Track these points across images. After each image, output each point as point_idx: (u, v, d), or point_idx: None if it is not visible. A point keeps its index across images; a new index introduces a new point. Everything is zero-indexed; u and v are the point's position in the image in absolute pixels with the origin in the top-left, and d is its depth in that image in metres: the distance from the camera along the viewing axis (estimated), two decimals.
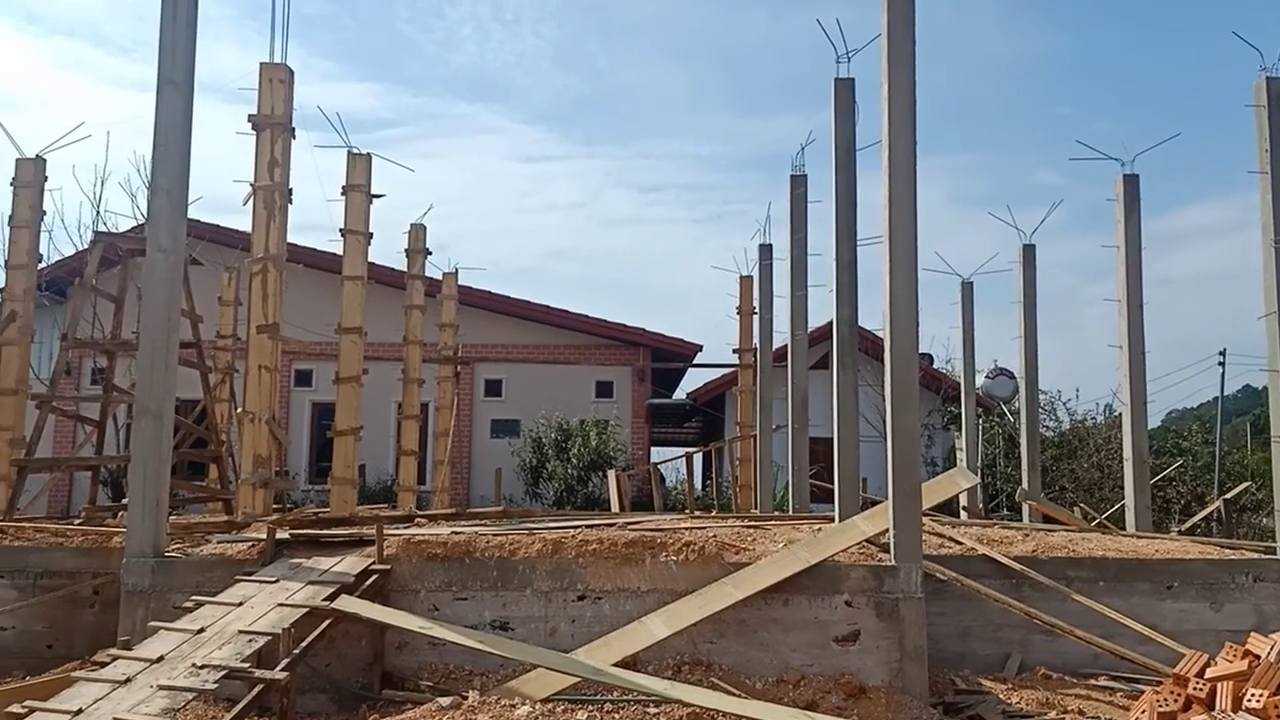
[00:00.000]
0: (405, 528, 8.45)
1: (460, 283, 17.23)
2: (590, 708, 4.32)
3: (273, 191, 9.37)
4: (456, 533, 7.35)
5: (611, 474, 15.25)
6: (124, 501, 12.25)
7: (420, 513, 10.00)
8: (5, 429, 11.28)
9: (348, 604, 6.33)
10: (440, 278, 16.75)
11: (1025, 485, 13.13)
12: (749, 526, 8.53)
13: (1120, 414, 12.01)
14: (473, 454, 20.91)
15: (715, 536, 7.37)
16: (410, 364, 15.09)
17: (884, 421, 7.39)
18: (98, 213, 19.01)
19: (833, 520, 8.81)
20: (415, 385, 15.14)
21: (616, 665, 6.29)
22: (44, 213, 11.90)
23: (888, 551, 7.07)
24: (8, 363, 11.41)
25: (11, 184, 11.60)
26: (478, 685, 6.74)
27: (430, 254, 15.48)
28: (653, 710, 5.78)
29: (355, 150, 11.89)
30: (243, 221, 14.85)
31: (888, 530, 7.08)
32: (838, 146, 8.78)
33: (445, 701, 4.02)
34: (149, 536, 7.04)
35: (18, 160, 11.58)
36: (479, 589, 7.03)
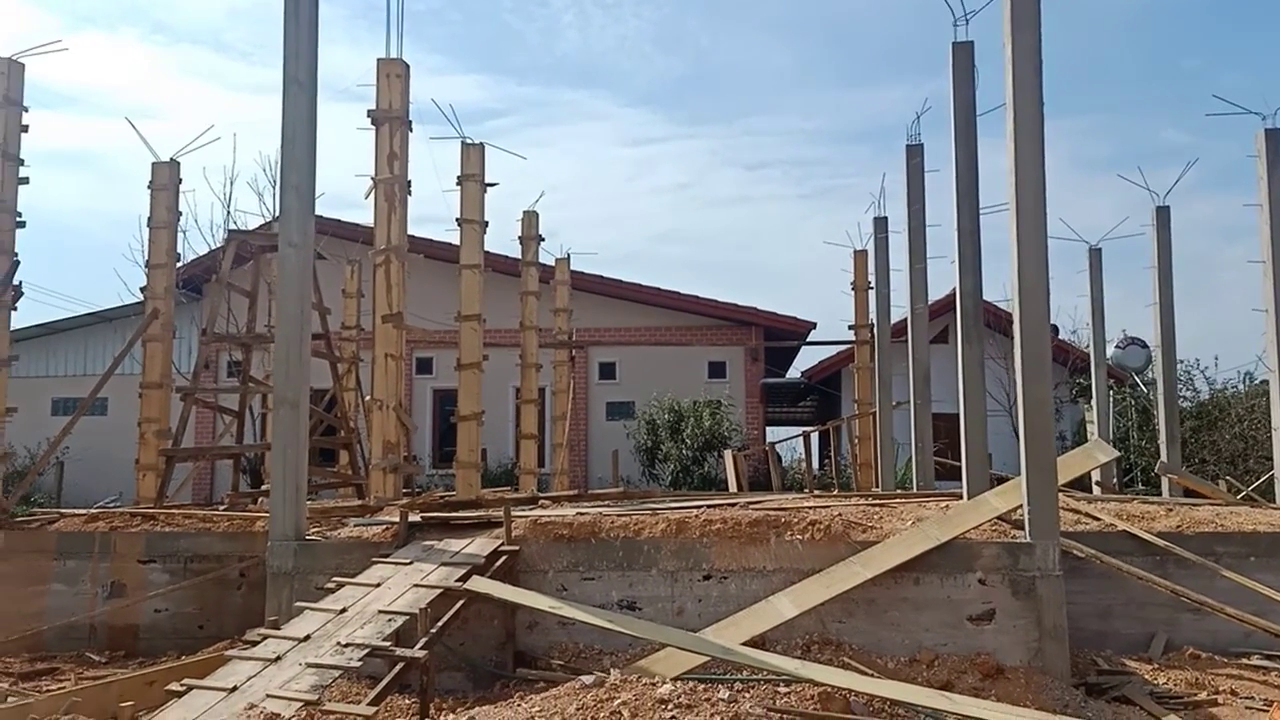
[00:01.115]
0: (530, 510, 8.60)
1: (572, 268, 17.42)
2: (727, 687, 4.31)
3: (393, 184, 9.61)
4: (581, 514, 7.44)
5: (728, 454, 15.22)
6: (264, 488, 12.85)
7: (543, 495, 10.16)
8: (151, 421, 11.90)
9: (480, 584, 6.47)
10: (553, 264, 16.96)
11: (1164, 458, 12.58)
12: (874, 505, 8.39)
13: (1265, 381, 11.39)
14: (589, 437, 21.14)
15: (840, 515, 7.28)
16: (527, 349, 15.33)
17: (1007, 396, 7.16)
18: (228, 212, 19.86)
19: (959, 497, 8.59)
20: (533, 370, 15.38)
21: (745, 645, 6.29)
22: (180, 214, 12.49)
23: (1021, 528, 6.86)
24: (152, 358, 12.02)
25: (149, 187, 12.17)
26: (607, 664, 6.82)
27: (543, 240, 15.69)
28: (783, 690, 5.74)
29: (469, 141, 12.10)
30: (362, 215, 15.23)
31: (1021, 506, 6.87)
32: (956, 113, 8.52)
33: (588, 679, 4.07)
34: (291, 521, 7.33)
35: (154, 164, 12.14)
36: (605, 569, 7.10)
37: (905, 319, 11.81)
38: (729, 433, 18.53)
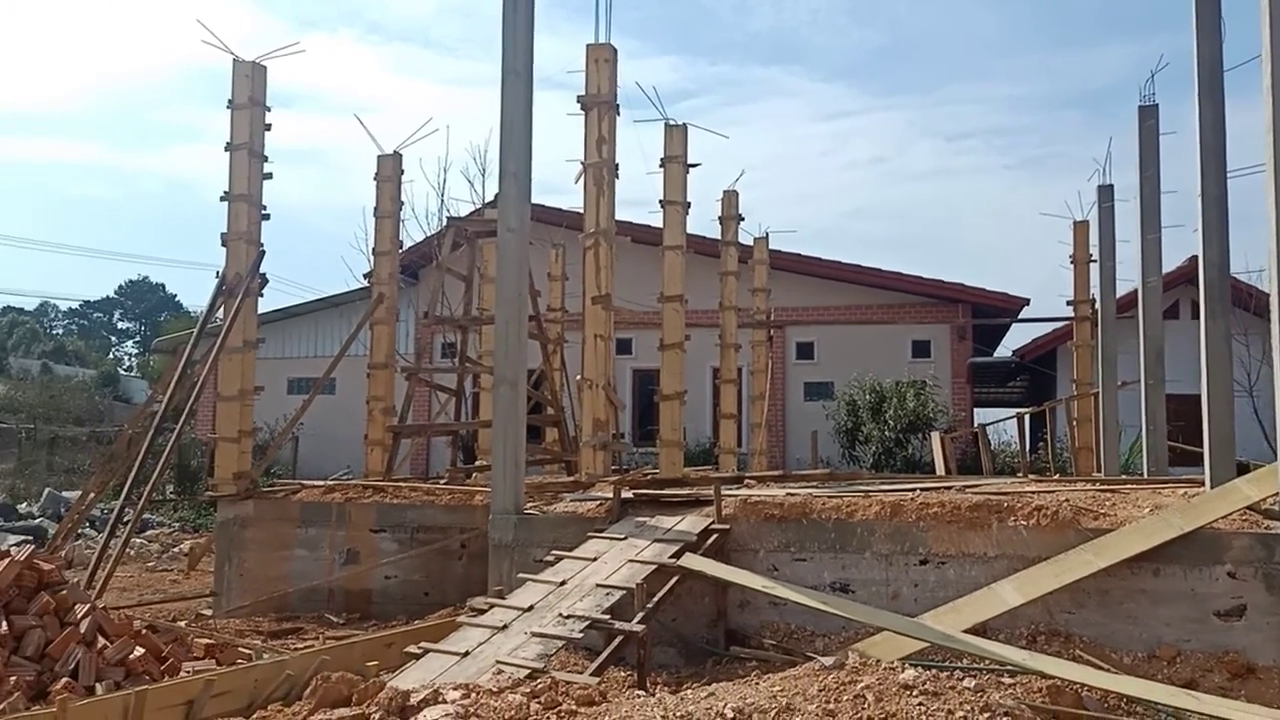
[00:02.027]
0: (736, 489, 8.61)
1: (770, 247, 17.28)
2: (971, 676, 4.16)
3: (601, 168, 9.79)
4: (791, 494, 7.38)
5: (935, 436, 14.74)
6: (478, 463, 13.46)
7: (747, 474, 10.15)
8: (378, 399, 12.67)
9: (693, 562, 6.54)
10: (751, 244, 16.88)
11: None
12: (1102, 490, 7.92)
13: None
14: (786, 417, 20.97)
15: (1067, 501, 6.90)
16: (726, 329, 15.34)
17: (1248, 376, 6.56)
18: (441, 200, 20.88)
19: (1199, 484, 7.97)
20: (732, 350, 15.38)
21: (965, 633, 6.07)
22: (401, 203, 13.18)
23: (1277, 519, 6.30)
24: (379, 340, 12.78)
25: (375, 179, 12.90)
26: (819, 646, 6.76)
27: (742, 219, 15.64)
28: (1007, 681, 5.51)
29: (671, 122, 12.19)
30: (565, 200, 15.58)
31: (1276, 495, 6.30)
32: (1201, 67, 7.84)
33: (827, 660, 4.03)
34: (511, 496, 7.63)
35: (379, 157, 12.86)
36: (817, 550, 7.03)
37: (1131, 293, 11.05)
38: (934, 414, 17.94)
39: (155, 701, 4.90)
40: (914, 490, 7.59)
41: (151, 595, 10.99)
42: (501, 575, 7.54)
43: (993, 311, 21.13)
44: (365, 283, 23.64)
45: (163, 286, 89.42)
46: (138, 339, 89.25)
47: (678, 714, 3.17)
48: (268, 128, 10.66)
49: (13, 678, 5.63)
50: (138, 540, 15.42)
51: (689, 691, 3.36)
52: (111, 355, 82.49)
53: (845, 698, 3.14)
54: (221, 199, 10.49)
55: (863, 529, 6.95)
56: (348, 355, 21.03)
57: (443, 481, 11.29)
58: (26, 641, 5.93)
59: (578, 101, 9.89)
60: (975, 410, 22.35)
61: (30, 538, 14.32)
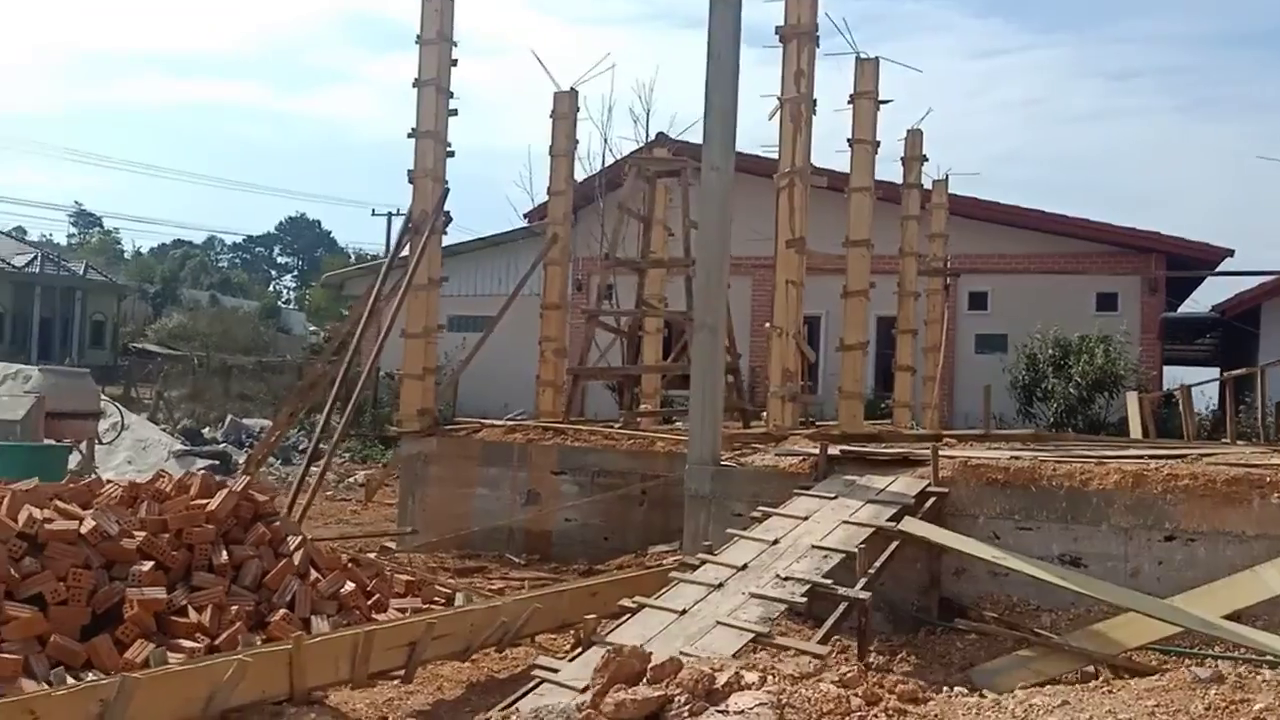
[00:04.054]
0: (942, 449, 8.08)
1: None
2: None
3: (799, 104, 9.27)
4: (1016, 458, 6.85)
5: (1132, 396, 13.73)
6: (642, 408, 13.29)
7: (947, 432, 9.60)
8: (551, 340, 12.55)
9: (915, 526, 6.13)
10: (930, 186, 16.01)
11: None
12: None
13: None
14: (955, 370, 20.03)
15: None
16: (906, 277, 14.61)
17: None
18: (605, 140, 20.43)
19: None
20: (911, 300, 14.66)
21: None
22: (576, 142, 12.92)
23: None
24: (552, 280, 12.63)
25: (550, 116, 12.65)
26: (1046, 622, 6.28)
27: (926, 160, 14.83)
28: (1267, 675, 4.93)
29: (863, 55, 11.51)
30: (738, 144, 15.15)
31: None
32: None
33: (1202, 672, 3.59)
34: (709, 446, 7.34)
35: (555, 94, 12.59)
36: (1045, 519, 6.50)
37: None
38: (1124, 372, 16.76)
39: (382, 642, 4.84)
40: (1152, 458, 6.93)
41: (336, 524, 11.27)
42: (698, 527, 7.29)
43: (1187, 263, 19.58)
44: (525, 222, 23.74)
45: (319, 223, 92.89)
46: (295, 273, 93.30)
47: None
48: (454, 63, 10.50)
49: (234, 607, 5.69)
50: (314, 469, 15.95)
51: (1037, 699, 2.99)
52: (272, 288, 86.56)
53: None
54: (409, 135, 10.42)
55: (1099, 499, 6.37)
56: (500, 295, 21.11)
57: (617, 425, 11.11)
58: (245, 571, 6.00)
59: (775, 33, 9.37)
60: (1165, 368, 20.92)
61: (216, 462, 14.98)
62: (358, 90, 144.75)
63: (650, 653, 3.38)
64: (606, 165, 19.56)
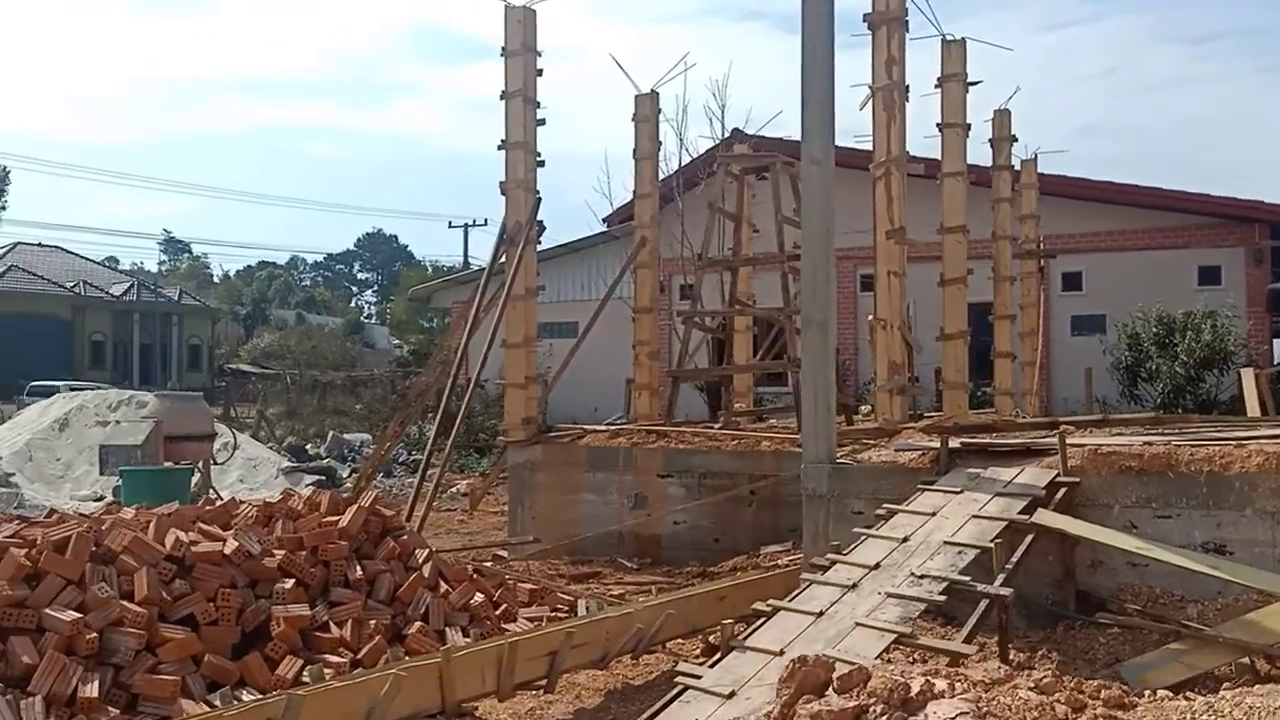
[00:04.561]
0: (1045, 436, 7.83)
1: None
2: None
3: (891, 91, 9.13)
4: (1149, 443, 6.62)
5: (1247, 373, 13.19)
6: (737, 407, 13.20)
7: (1063, 420, 9.33)
8: (644, 343, 12.55)
9: (1049, 519, 5.97)
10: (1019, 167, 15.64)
11: None
12: None
13: None
14: (1051, 354, 19.53)
15: None
16: (1000, 261, 14.31)
17: None
18: (681, 140, 20.32)
19: None
20: (1006, 284, 14.35)
21: None
22: (660, 143, 12.90)
23: None
24: (642, 284, 12.64)
25: (632, 119, 12.64)
26: (1191, 613, 6.06)
27: (1016, 140, 14.48)
28: None
29: (949, 37, 11.28)
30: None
31: None
32: None
33: None
34: (824, 443, 7.25)
35: (636, 96, 12.57)
36: (1184, 506, 6.26)
37: None
38: (1234, 347, 16.16)
39: (525, 652, 4.88)
40: None
41: (446, 535, 11.43)
42: (818, 526, 7.20)
43: None
44: (604, 226, 23.81)
45: (395, 238, 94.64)
46: (375, 288, 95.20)
47: None
48: (539, 73, 10.57)
49: (371, 621, 5.80)
50: (412, 480, 16.24)
51: (1250, 700, 2.87)
52: (353, 304, 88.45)
53: None
54: (499, 148, 10.53)
55: (1242, 483, 6.12)
56: (590, 300, 21.13)
57: (717, 426, 11.06)
58: (378, 585, 6.11)
59: (863, 20, 9.25)
60: (1275, 341, 20.11)
61: (322, 477, 15.34)
62: (426, 104, 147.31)
63: (834, 661, 3.33)
64: (683, 165, 19.51)
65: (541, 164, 10.63)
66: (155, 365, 40.72)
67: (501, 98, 10.51)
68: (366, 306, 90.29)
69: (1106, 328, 18.52)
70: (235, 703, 4.29)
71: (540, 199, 10.59)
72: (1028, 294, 16.33)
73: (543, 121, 10.58)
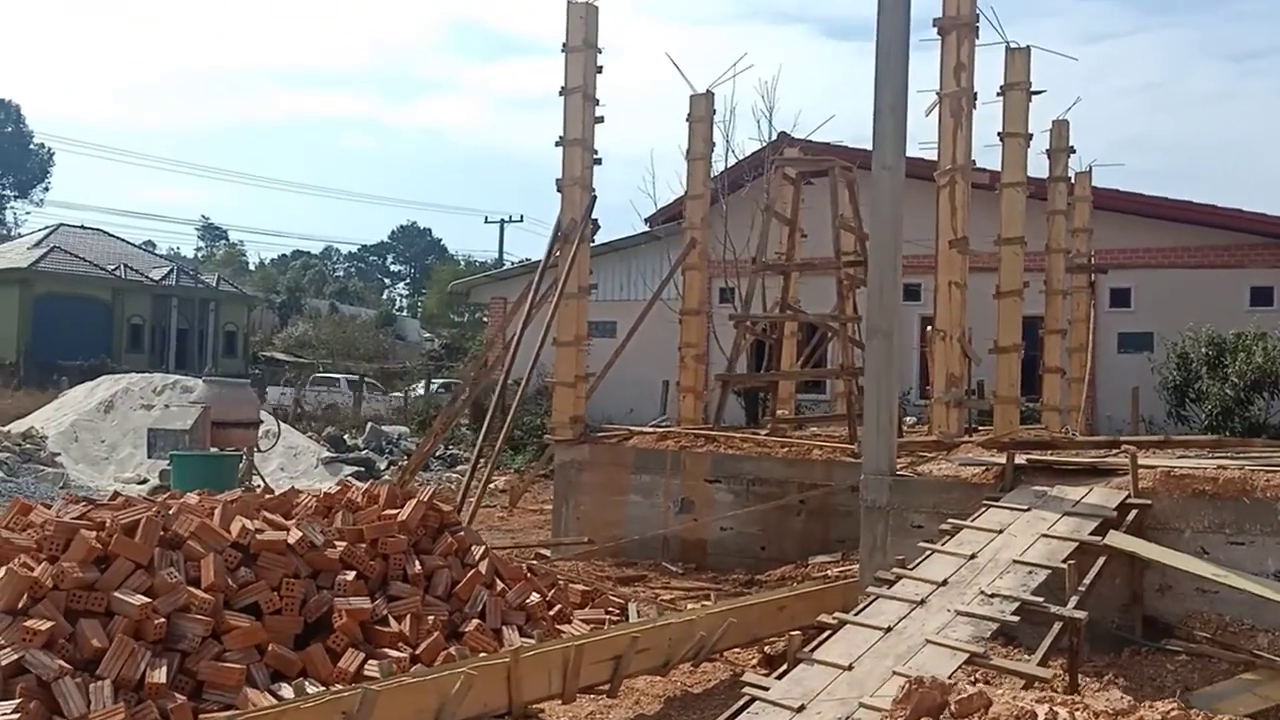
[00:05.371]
0: (1105, 455, 7.68)
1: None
2: None
3: (959, 98, 9.01)
4: (1223, 467, 6.47)
5: None
6: (780, 413, 13.07)
7: (1124, 439, 9.15)
8: (691, 345, 12.47)
9: (1123, 541, 5.84)
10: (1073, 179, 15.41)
11: None
12: None
13: None
14: (1097, 371, 19.27)
15: None
16: (1053, 274, 14.13)
17: None
18: (728, 142, 20.20)
19: None
20: (1058, 298, 14.18)
21: None
22: (713, 145, 12.82)
23: None
24: (690, 286, 12.57)
25: (687, 120, 12.57)
26: (1263, 643, 5.90)
27: (1074, 152, 14.29)
28: None
29: (1013, 44, 11.13)
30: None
31: None
32: None
33: None
34: (885, 455, 7.14)
35: (691, 97, 12.50)
36: (1259, 533, 6.11)
37: None
38: None
39: (590, 655, 4.83)
40: None
41: (488, 531, 11.38)
42: (875, 538, 7.09)
43: None
44: (646, 226, 23.73)
45: (429, 231, 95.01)
46: (408, 281, 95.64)
47: None
48: (599, 70, 10.53)
49: (429, 617, 5.76)
50: (452, 475, 16.24)
51: None
52: (385, 295, 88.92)
53: None
54: (556, 144, 10.49)
55: None
56: (629, 300, 21.03)
57: (764, 433, 10.97)
58: (436, 581, 6.07)
59: (933, 25, 9.12)
60: None
61: (361, 469, 15.36)
62: (461, 98, 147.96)
63: (953, 683, 3.24)
64: (729, 166, 19.42)
65: (598, 161, 10.60)
66: (192, 350, 41.06)
67: (561, 93, 10.47)
68: (398, 299, 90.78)
69: (1154, 346, 18.24)
70: (306, 694, 4.26)
71: (595, 196, 10.55)
72: (1077, 309, 16.11)
73: (601, 119, 10.54)
